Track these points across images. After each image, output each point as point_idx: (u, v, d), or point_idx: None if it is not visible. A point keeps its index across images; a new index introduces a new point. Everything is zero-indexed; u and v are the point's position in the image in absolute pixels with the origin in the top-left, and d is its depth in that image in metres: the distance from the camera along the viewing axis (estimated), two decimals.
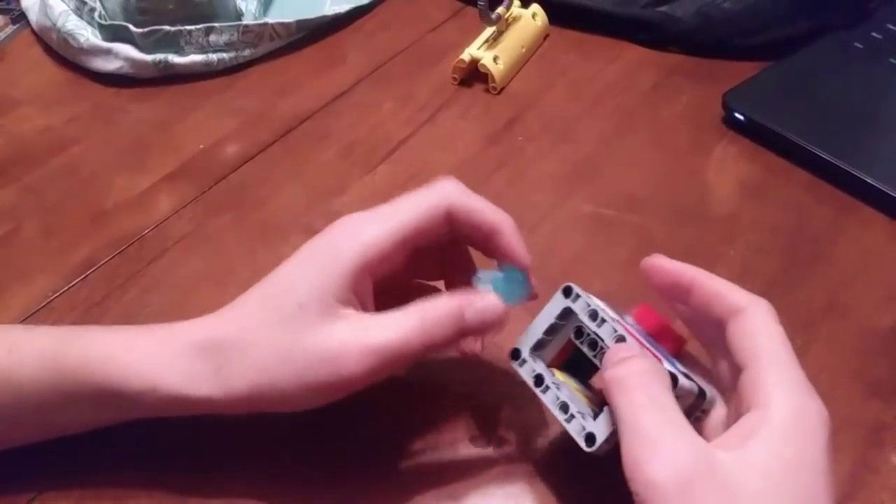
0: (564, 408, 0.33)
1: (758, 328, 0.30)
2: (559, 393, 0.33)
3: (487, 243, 0.35)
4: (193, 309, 0.43)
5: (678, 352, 0.35)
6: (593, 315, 0.33)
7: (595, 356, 0.33)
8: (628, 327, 0.33)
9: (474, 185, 0.51)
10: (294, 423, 0.35)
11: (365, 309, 0.34)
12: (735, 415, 0.29)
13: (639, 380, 0.28)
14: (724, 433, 0.29)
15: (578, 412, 0.32)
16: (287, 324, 0.32)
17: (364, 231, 0.33)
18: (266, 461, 0.37)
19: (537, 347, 0.35)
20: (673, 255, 0.47)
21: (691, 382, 0.32)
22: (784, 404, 0.27)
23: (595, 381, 0.36)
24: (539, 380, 0.34)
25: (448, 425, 0.39)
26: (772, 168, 0.53)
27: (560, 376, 0.35)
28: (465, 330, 0.33)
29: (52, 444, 0.35)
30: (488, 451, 0.38)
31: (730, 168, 0.53)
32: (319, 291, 0.32)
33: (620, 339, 0.32)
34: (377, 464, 0.37)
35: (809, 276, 0.46)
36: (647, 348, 0.32)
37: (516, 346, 0.35)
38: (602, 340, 0.33)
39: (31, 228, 0.49)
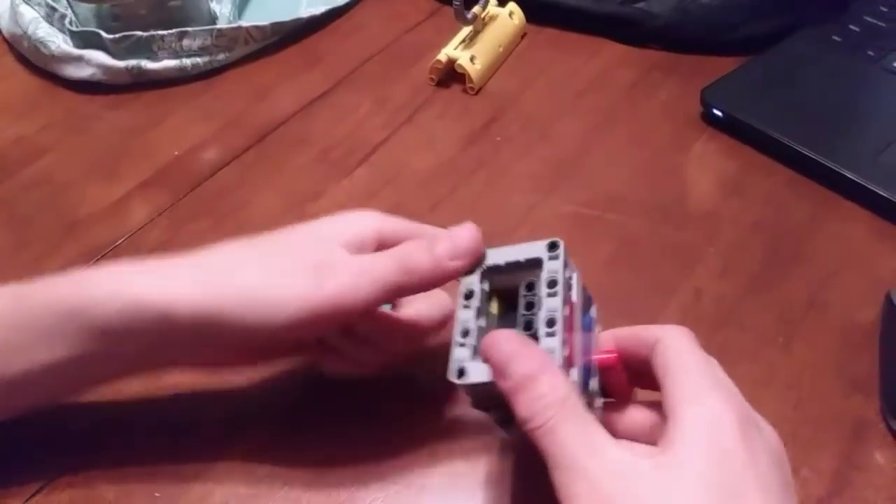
0: (465, 333, 0.31)
1: (668, 348, 0.30)
2: (472, 319, 0.32)
3: None
4: None
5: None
6: (551, 283, 0.31)
7: (524, 315, 0.31)
8: (573, 317, 0.31)
9: (453, 187, 0.51)
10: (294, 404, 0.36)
11: None
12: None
13: (560, 420, 0.27)
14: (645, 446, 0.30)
15: (473, 346, 0.31)
16: (283, 246, 0.35)
17: (388, 219, 0.36)
18: (267, 444, 0.38)
19: (493, 271, 0.33)
20: (653, 254, 0.47)
21: (596, 393, 0.31)
22: (692, 409, 0.28)
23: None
24: (469, 295, 0.33)
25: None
26: (751, 164, 0.53)
27: (495, 308, 0.33)
28: (438, 256, 0.33)
29: (62, 433, 0.36)
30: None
31: (709, 165, 0.53)
32: (327, 233, 0.35)
33: (551, 321, 0.30)
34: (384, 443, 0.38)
35: (790, 272, 0.46)
36: (570, 342, 0.30)
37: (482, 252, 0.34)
38: (538, 309, 0.31)
39: (2, 239, 0.49)
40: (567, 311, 0.31)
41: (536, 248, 0.32)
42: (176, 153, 0.54)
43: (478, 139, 0.55)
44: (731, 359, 0.41)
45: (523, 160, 0.53)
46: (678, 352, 0.30)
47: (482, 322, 0.32)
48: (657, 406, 0.31)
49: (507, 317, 0.33)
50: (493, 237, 0.47)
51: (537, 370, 0.28)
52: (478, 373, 0.30)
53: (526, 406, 0.28)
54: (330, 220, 0.36)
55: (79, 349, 0.33)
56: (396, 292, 0.34)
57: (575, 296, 0.32)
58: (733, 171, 0.52)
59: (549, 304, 0.31)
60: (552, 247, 0.32)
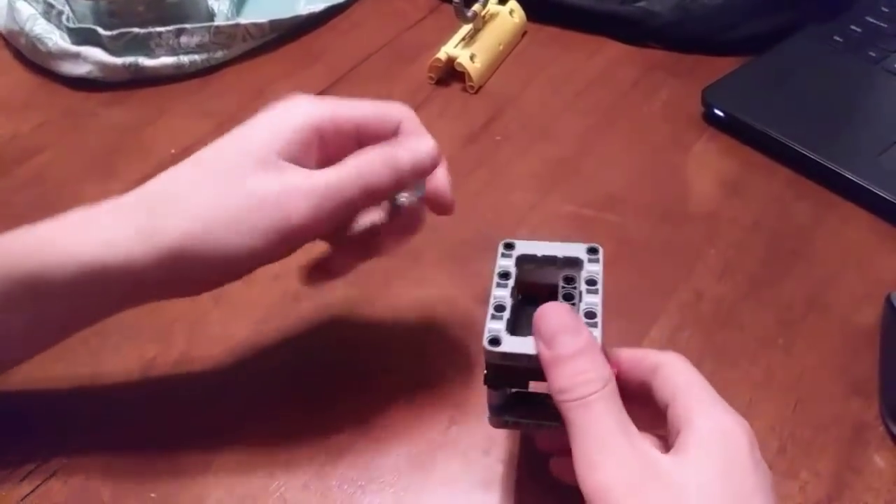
0: (500, 308, 0.32)
1: (675, 372, 0.31)
2: (507, 297, 0.33)
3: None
4: (165, 319, 0.43)
5: None
6: (591, 282, 0.33)
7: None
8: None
9: (453, 186, 0.51)
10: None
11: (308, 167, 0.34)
12: (665, 447, 0.30)
13: (600, 399, 0.28)
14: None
15: (508, 320, 0.32)
16: (229, 171, 0.32)
17: (320, 102, 0.34)
18: (263, 444, 0.38)
19: (525, 260, 0.34)
20: (653, 254, 0.47)
21: None
22: (707, 421, 0.29)
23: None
24: (505, 275, 0.34)
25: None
26: (752, 164, 0.52)
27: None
28: (400, 171, 0.34)
29: (57, 432, 0.36)
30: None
31: (710, 165, 0.53)
32: (272, 142, 0.33)
33: (590, 314, 0.32)
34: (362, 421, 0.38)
35: (790, 272, 0.46)
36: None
37: (512, 241, 0.35)
38: (578, 301, 0.33)
39: None
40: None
41: (576, 249, 0.34)
42: (173, 151, 0.54)
43: (477, 138, 0.55)
44: (731, 360, 0.41)
45: (523, 159, 0.53)
46: (684, 374, 0.31)
47: (513, 303, 0.33)
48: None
49: (522, 307, 0.34)
50: (491, 237, 0.47)
51: (585, 347, 0.29)
52: (513, 344, 0.31)
53: (568, 378, 0.29)
54: (261, 124, 0.34)
55: (37, 311, 0.33)
56: (358, 209, 0.35)
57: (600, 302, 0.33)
58: (734, 172, 0.52)
59: (589, 300, 0.32)
60: (593, 251, 0.34)
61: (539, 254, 0.34)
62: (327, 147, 0.34)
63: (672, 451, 0.29)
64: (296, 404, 0.39)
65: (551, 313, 0.30)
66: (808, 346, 0.42)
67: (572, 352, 0.29)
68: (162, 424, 0.39)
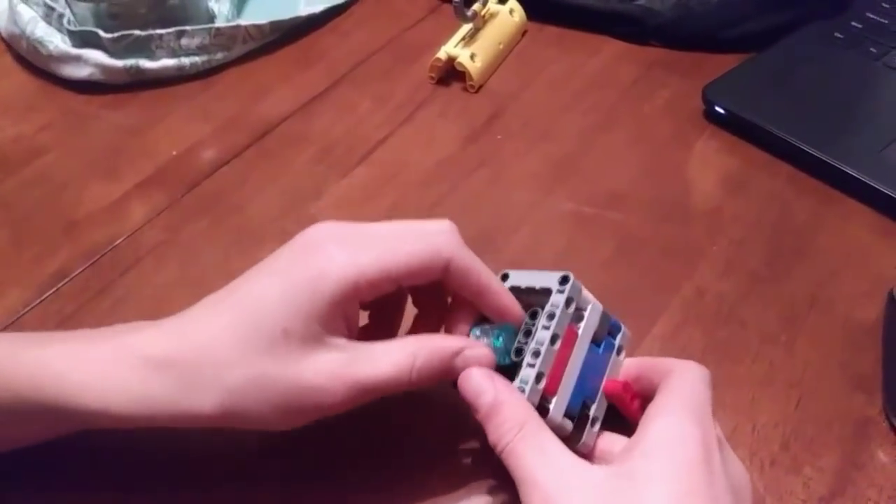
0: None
1: (677, 377, 0.32)
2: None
3: (474, 299, 0.34)
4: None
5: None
6: (550, 316, 0.33)
7: (519, 342, 0.33)
8: (571, 348, 0.33)
9: (453, 185, 0.51)
10: None
11: (351, 331, 0.33)
12: None
13: (515, 439, 0.30)
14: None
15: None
16: (269, 349, 0.30)
17: (359, 259, 0.31)
18: (266, 442, 0.37)
19: (514, 291, 0.35)
20: (655, 252, 0.47)
21: (565, 420, 0.33)
22: (661, 421, 0.30)
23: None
24: (534, 314, 0.34)
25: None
26: (753, 161, 0.52)
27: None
28: (452, 374, 0.33)
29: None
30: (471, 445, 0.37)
31: (711, 162, 0.53)
32: (306, 317, 0.30)
33: (536, 353, 0.32)
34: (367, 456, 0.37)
35: (793, 269, 0.46)
36: (555, 374, 0.33)
37: (507, 272, 0.36)
38: (532, 339, 0.33)
39: (1, 240, 0.48)
40: (558, 345, 0.33)
41: (549, 279, 0.34)
42: (174, 152, 0.54)
43: (478, 137, 0.55)
44: (733, 357, 0.41)
45: (524, 158, 0.53)
46: (680, 380, 0.32)
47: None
48: None
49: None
50: (493, 236, 0.48)
51: (493, 404, 0.31)
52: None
53: (492, 432, 0.31)
54: (301, 285, 0.31)
55: (71, 431, 0.33)
56: None
57: (582, 327, 0.34)
58: (735, 169, 0.52)
59: (539, 337, 0.33)
60: (563, 280, 0.34)
61: (522, 285, 0.35)
62: (365, 297, 0.33)
63: (619, 459, 0.30)
64: None
65: (466, 379, 0.32)
66: (810, 343, 0.42)
67: (488, 408, 0.31)
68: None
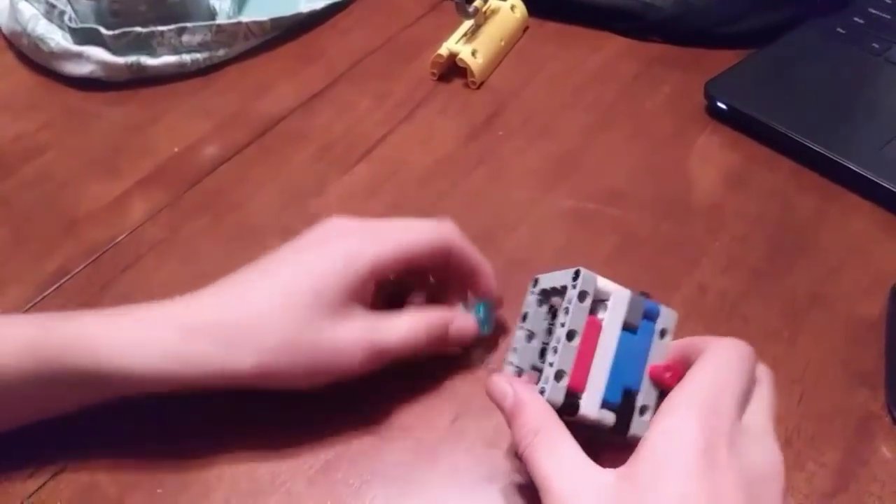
0: (515, 350, 0.36)
1: (703, 360, 0.31)
2: (522, 339, 0.36)
3: (465, 280, 0.40)
4: None
5: None
6: (566, 311, 0.33)
7: (543, 343, 0.34)
8: (594, 339, 0.33)
9: (454, 183, 0.51)
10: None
11: (368, 302, 0.37)
12: None
13: (532, 442, 0.31)
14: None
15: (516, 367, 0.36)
16: (304, 315, 0.34)
17: (383, 243, 0.37)
18: (269, 442, 0.38)
19: (547, 293, 0.36)
20: (657, 248, 0.47)
21: (604, 412, 0.32)
22: (663, 422, 0.30)
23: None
24: (524, 317, 0.36)
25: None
26: (755, 157, 0.52)
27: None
28: (445, 342, 0.39)
29: (64, 428, 0.36)
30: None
31: (713, 158, 0.53)
32: (339, 288, 0.35)
33: (553, 350, 0.32)
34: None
35: (795, 265, 0.46)
36: (582, 366, 0.32)
37: (538, 277, 0.36)
38: (552, 336, 0.33)
39: (2, 237, 0.48)
40: (578, 340, 0.32)
41: (565, 276, 0.34)
42: (176, 149, 0.54)
43: (479, 134, 0.55)
44: None
45: (525, 155, 0.53)
46: (699, 367, 0.31)
47: (535, 342, 0.35)
48: None
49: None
50: (494, 232, 0.47)
51: (517, 406, 0.32)
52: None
53: (515, 435, 0.32)
54: (332, 263, 0.36)
55: (104, 399, 0.35)
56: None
57: (607, 317, 0.33)
58: (737, 164, 0.52)
59: (557, 334, 0.33)
60: (575, 276, 0.33)
61: (549, 286, 0.35)
62: (385, 275, 0.38)
63: (626, 463, 0.29)
64: (301, 399, 0.38)
65: (491, 385, 0.34)
66: (813, 338, 0.42)
67: (508, 415, 0.33)
68: (167, 419, 0.38)
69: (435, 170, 0.52)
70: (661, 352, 0.34)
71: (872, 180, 0.48)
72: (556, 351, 0.32)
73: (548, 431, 0.31)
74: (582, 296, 0.32)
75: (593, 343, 0.32)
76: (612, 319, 0.33)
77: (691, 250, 0.47)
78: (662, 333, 0.34)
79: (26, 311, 0.44)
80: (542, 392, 0.32)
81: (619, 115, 0.56)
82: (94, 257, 0.47)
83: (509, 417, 0.32)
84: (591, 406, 0.32)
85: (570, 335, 0.32)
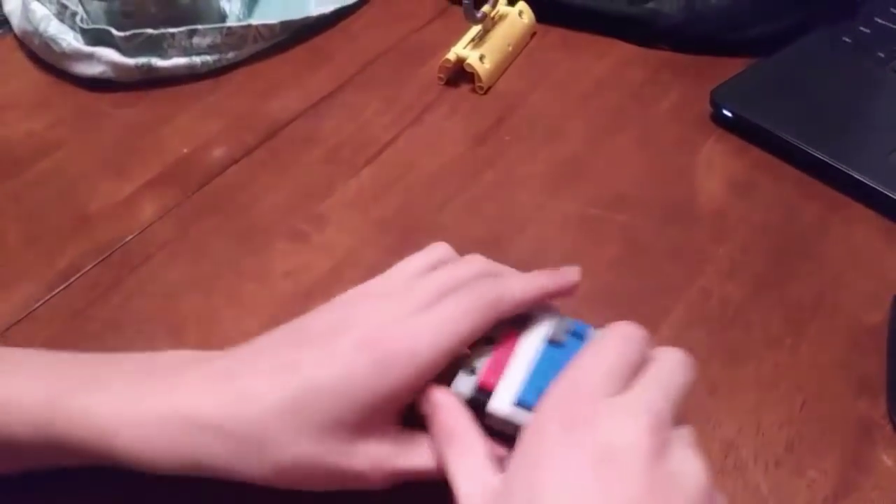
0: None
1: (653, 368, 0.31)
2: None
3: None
4: (178, 316, 0.44)
5: None
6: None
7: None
8: (512, 347, 0.34)
9: (461, 187, 0.51)
10: None
11: (400, 415, 0.33)
12: None
13: (444, 450, 0.31)
14: None
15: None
16: (320, 437, 0.30)
17: (421, 349, 0.31)
18: None
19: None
20: (661, 254, 0.47)
21: (516, 409, 0.32)
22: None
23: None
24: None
25: None
26: (760, 165, 0.53)
27: None
28: None
29: None
30: None
31: (718, 165, 0.53)
32: (361, 410, 0.31)
33: (489, 339, 0.34)
34: None
35: (798, 273, 0.46)
36: (493, 368, 0.33)
37: None
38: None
39: (13, 236, 0.49)
40: (495, 345, 0.34)
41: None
42: (185, 151, 0.54)
43: (486, 139, 0.55)
44: (739, 359, 0.42)
45: (531, 160, 0.53)
46: (580, 352, 0.31)
47: None
48: None
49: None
50: (500, 237, 0.48)
51: (436, 407, 0.32)
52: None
53: (433, 435, 0.32)
54: (369, 380, 0.31)
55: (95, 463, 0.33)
56: None
57: (530, 331, 0.35)
58: (742, 172, 0.52)
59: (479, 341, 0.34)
60: None
61: None
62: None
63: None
64: None
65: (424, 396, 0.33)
66: (815, 346, 0.42)
67: (428, 420, 0.32)
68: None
69: (442, 174, 0.53)
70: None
71: (877, 189, 0.49)
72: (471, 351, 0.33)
73: (461, 436, 0.31)
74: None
75: (510, 350, 0.34)
76: (533, 332, 0.34)
77: (695, 257, 0.47)
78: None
79: (35, 309, 0.44)
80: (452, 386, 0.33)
81: (626, 122, 0.56)
82: (103, 256, 0.47)
83: (428, 419, 0.32)
84: (502, 403, 0.32)
85: (488, 340, 0.34)
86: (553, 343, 0.34)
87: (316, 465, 0.31)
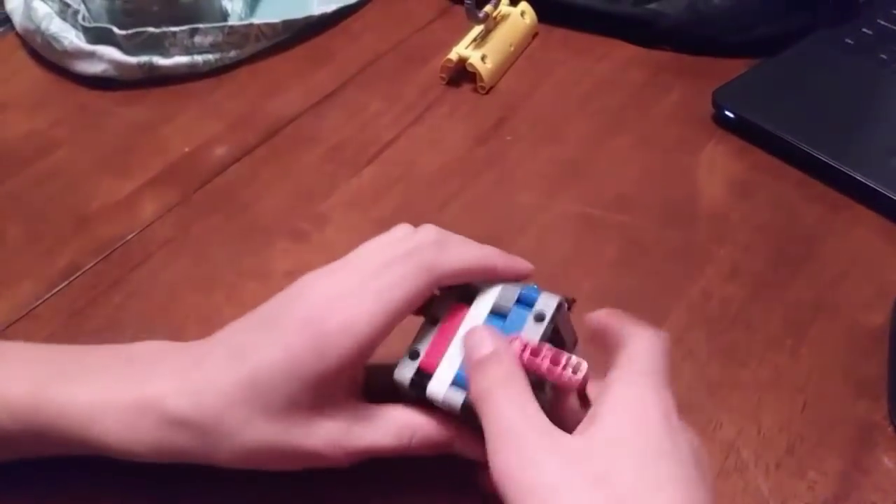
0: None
1: (637, 346, 0.32)
2: None
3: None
4: (178, 315, 0.44)
5: None
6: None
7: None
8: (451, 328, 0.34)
9: (462, 186, 0.51)
10: None
11: (355, 387, 0.34)
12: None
13: (500, 389, 0.30)
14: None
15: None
16: (276, 419, 0.31)
17: (357, 321, 0.32)
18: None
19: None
20: (662, 255, 0.47)
21: (454, 391, 0.32)
22: (624, 388, 0.30)
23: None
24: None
25: None
26: (761, 166, 0.53)
27: None
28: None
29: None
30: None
31: (719, 166, 0.53)
32: (312, 389, 0.31)
33: (434, 319, 0.34)
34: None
35: (799, 274, 0.46)
36: (435, 351, 0.33)
37: None
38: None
39: (14, 234, 0.49)
40: (440, 325, 0.34)
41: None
42: (186, 149, 0.54)
43: (487, 139, 0.55)
44: (739, 360, 0.42)
45: (532, 160, 0.53)
46: (638, 349, 0.31)
47: None
48: None
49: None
50: (500, 236, 0.48)
51: (497, 352, 0.31)
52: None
53: (480, 381, 0.31)
54: (314, 358, 0.31)
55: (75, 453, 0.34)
56: None
57: (474, 305, 0.34)
58: (743, 173, 0.52)
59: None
60: None
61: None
62: (370, 353, 0.34)
63: (585, 423, 0.29)
64: None
65: (469, 336, 0.33)
66: (816, 347, 0.42)
67: (477, 360, 0.31)
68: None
69: (443, 173, 0.53)
70: (534, 336, 0.33)
71: (878, 191, 0.48)
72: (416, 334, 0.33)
73: (519, 382, 0.31)
74: (448, 287, 0.34)
75: (454, 327, 0.33)
76: (479, 306, 0.34)
77: (696, 257, 0.47)
78: (538, 318, 0.33)
79: (35, 308, 0.44)
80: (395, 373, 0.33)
81: (627, 122, 0.56)
82: (104, 255, 0.47)
83: (479, 362, 0.31)
84: (438, 387, 0.32)
85: (433, 320, 0.34)
86: (496, 314, 0.34)
87: (274, 447, 0.32)
